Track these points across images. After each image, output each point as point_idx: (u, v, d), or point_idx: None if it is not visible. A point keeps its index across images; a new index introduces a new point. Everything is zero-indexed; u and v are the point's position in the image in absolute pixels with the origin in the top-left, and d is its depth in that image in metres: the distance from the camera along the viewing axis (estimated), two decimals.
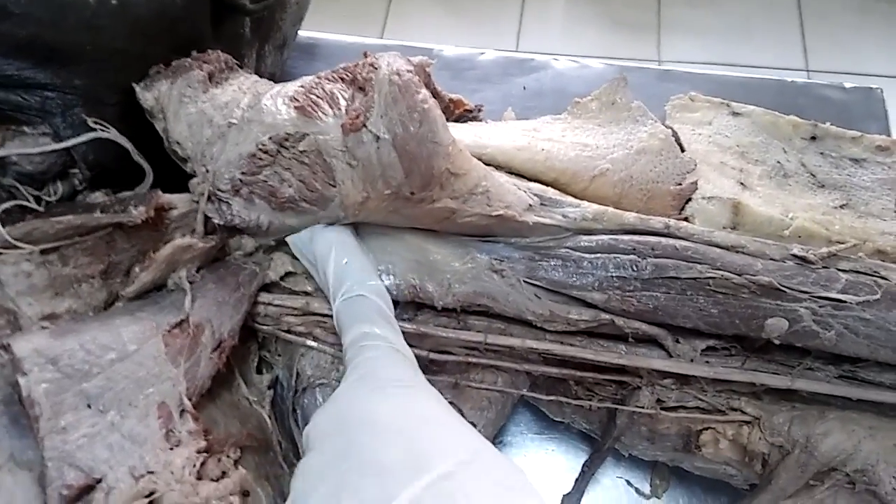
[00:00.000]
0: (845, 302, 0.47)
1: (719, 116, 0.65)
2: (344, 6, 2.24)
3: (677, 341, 0.50)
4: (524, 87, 0.73)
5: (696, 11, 2.14)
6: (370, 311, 0.42)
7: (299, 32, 0.75)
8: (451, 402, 0.49)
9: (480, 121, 0.63)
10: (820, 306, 0.48)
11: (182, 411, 0.38)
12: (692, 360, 0.49)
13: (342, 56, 0.79)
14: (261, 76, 0.61)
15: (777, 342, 0.48)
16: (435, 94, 0.58)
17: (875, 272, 0.50)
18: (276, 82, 0.66)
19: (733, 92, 0.68)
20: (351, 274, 0.45)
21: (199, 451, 0.37)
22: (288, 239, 0.48)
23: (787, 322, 0.47)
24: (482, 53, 0.75)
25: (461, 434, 0.34)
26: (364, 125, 0.44)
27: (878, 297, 0.48)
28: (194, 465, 0.36)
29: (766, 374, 0.48)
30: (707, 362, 0.50)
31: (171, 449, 0.36)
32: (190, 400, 0.39)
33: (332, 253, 0.46)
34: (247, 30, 0.58)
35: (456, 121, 0.62)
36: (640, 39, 2.08)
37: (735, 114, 0.66)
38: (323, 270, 0.45)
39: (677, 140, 0.62)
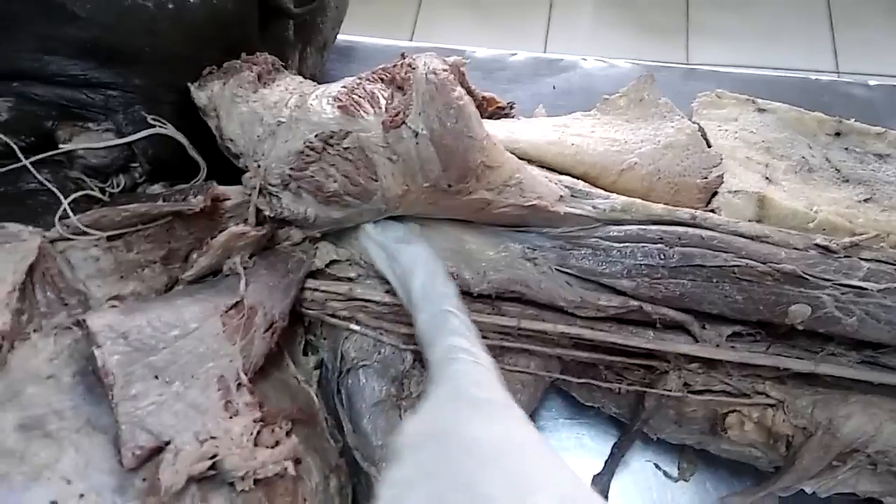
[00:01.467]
0: (867, 289, 0.49)
1: (745, 113, 0.67)
2: (374, 10, 2.27)
3: (703, 327, 0.52)
4: (553, 87, 0.75)
5: (725, 14, 2.13)
6: (457, 326, 0.43)
7: (337, 36, 0.79)
8: None
9: (512, 118, 0.66)
10: (842, 293, 0.50)
11: (239, 385, 0.41)
12: (718, 346, 0.51)
13: (377, 58, 0.82)
14: (303, 77, 0.65)
15: (800, 328, 0.50)
16: (469, 92, 0.61)
17: None
18: (317, 83, 0.69)
19: (758, 90, 0.70)
20: (437, 290, 0.46)
21: (255, 421, 0.40)
22: (369, 247, 0.50)
23: (811, 308, 0.49)
24: (513, 55, 0.77)
25: (559, 466, 0.33)
26: (403, 122, 0.46)
27: None
28: (251, 433, 0.39)
29: (790, 358, 0.50)
30: (733, 347, 0.51)
31: (231, 418, 0.40)
32: (245, 375, 0.42)
33: (419, 269, 0.47)
34: (290, 33, 0.61)
35: (489, 118, 0.65)
36: (668, 42, 2.07)
37: (761, 110, 0.67)
38: (406, 284, 0.47)
39: (704, 136, 0.64)
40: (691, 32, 2.08)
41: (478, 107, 0.62)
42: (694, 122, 0.66)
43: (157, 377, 0.39)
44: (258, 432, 0.40)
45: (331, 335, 0.52)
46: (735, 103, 0.68)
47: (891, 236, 0.59)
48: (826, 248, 0.52)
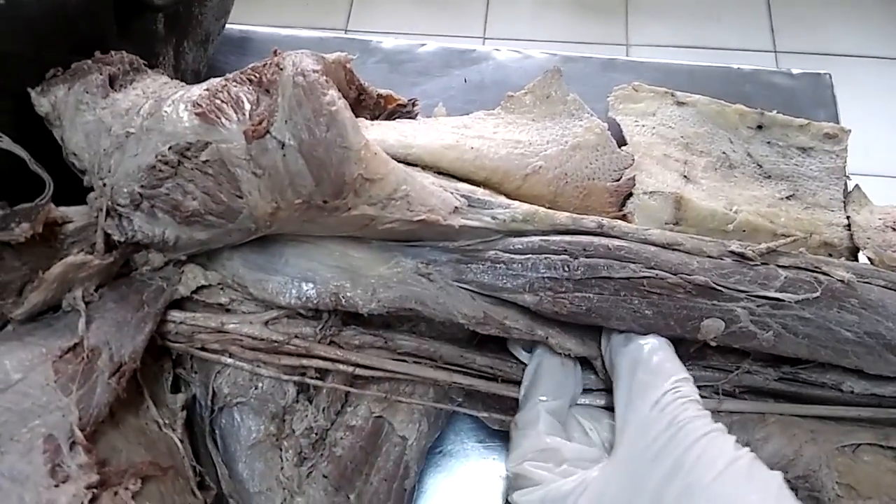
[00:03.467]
0: (783, 301, 0.46)
1: (663, 106, 0.63)
2: None
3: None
4: (465, 80, 0.70)
5: None
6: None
7: (232, 25, 0.72)
8: (379, 417, 0.47)
9: (415, 116, 0.61)
10: (758, 305, 0.46)
11: (72, 443, 0.36)
12: None
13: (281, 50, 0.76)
14: (181, 74, 0.58)
15: (714, 344, 0.46)
16: (361, 91, 0.56)
17: (816, 268, 0.48)
18: (201, 80, 0.63)
19: (679, 80, 0.67)
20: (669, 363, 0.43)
21: (88, 487, 0.35)
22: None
23: (724, 323, 0.46)
24: (422, 45, 0.72)
25: None
26: (268, 131, 0.41)
27: (817, 294, 0.46)
28: (82, 503, 0.34)
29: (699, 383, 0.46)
30: None
31: (57, 486, 0.34)
32: (84, 430, 0.36)
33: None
34: (160, 26, 0.55)
35: (389, 116, 0.60)
36: (608, 22, 2.06)
37: (680, 103, 0.64)
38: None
39: (620, 133, 0.60)
40: (630, 12, 2.07)
41: (374, 106, 0.58)
42: (610, 118, 0.62)
43: None
44: (93, 499, 0.35)
45: (202, 369, 0.46)
46: (653, 96, 0.64)
47: (813, 236, 0.57)
48: (741, 255, 0.48)
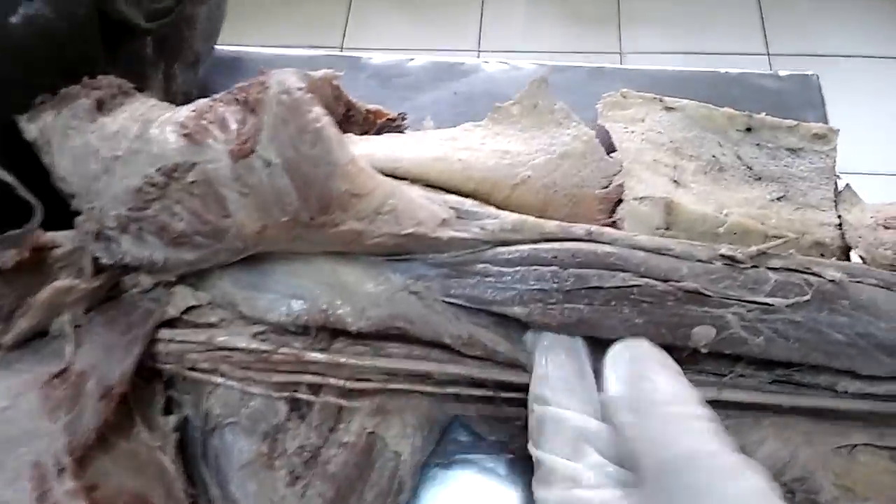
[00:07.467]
0: (773, 305, 0.46)
1: (652, 112, 0.63)
2: (305, 12, 2.23)
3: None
4: (455, 93, 0.70)
5: (656, 2, 2.14)
6: None
7: (223, 46, 0.73)
8: (371, 432, 0.47)
9: (404, 130, 0.61)
10: (748, 311, 0.46)
11: (60, 470, 0.36)
12: None
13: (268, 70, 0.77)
14: (172, 96, 0.59)
15: (705, 351, 0.46)
16: (350, 106, 0.56)
17: (807, 269, 0.48)
18: (190, 100, 0.63)
19: (666, 86, 0.67)
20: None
21: None
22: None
23: (715, 330, 0.45)
24: (411, 60, 0.73)
25: None
26: (253, 150, 0.41)
27: (807, 297, 0.46)
28: None
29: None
30: None
31: None
32: (72, 456, 0.36)
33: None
34: (149, 49, 0.55)
35: (379, 131, 0.60)
36: (601, 32, 2.08)
37: (668, 108, 0.64)
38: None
39: (609, 140, 0.60)
40: (623, 21, 2.08)
41: (363, 121, 0.58)
42: (599, 125, 0.62)
43: None
44: None
45: (194, 390, 0.46)
46: (641, 102, 0.64)
47: (805, 236, 0.56)
48: (732, 259, 0.48)
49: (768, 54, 1.89)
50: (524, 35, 2.03)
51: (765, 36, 1.94)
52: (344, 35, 2.04)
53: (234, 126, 0.43)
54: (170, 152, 0.42)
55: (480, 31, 2.06)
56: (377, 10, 2.07)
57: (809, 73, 0.66)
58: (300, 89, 0.43)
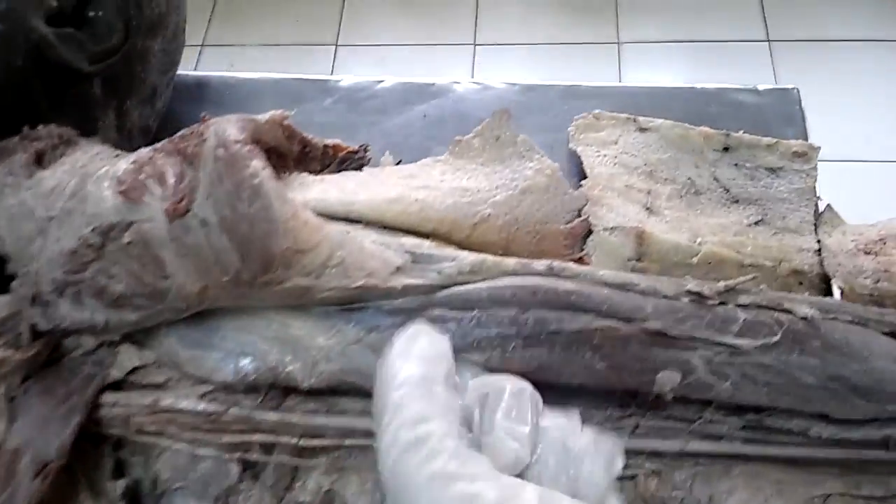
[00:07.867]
0: (741, 347, 0.44)
1: (626, 134, 0.62)
2: (298, 11, 2.22)
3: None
4: (425, 115, 0.69)
5: None
6: None
7: (186, 72, 0.71)
8: (329, 490, 0.46)
9: (367, 162, 0.59)
10: (715, 354, 0.44)
11: None
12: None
13: (231, 97, 0.75)
14: (127, 132, 0.57)
15: (670, 397, 0.44)
16: (306, 143, 0.54)
17: (778, 305, 0.46)
18: (151, 134, 0.62)
19: (640, 103, 0.65)
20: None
21: None
22: None
23: (680, 374, 0.44)
24: (380, 82, 0.71)
25: None
26: (189, 209, 0.40)
27: (777, 338, 0.44)
28: None
29: (656, 439, 0.44)
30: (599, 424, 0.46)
31: None
32: None
33: None
34: (97, 90, 0.54)
35: (340, 164, 0.58)
36: (598, 22, 2.05)
37: (642, 129, 0.62)
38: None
39: (580, 165, 0.58)
40: (620, 10, 2.05)
41: (322, 156, 0.56)
42: (571, 149, 0.61)
43: None
44: None
45: (143, 451, 0.45)
46: (614, 123, 0.62)
47: (783, 264, 0.55)
48: (699, 294, 0.46)
49: (768, 40, 1.85)
50: (520, 26, 2.00)
51: (765, 22, 1.90)
52: (339, 30, 2.02)
53: (171, 181, 0.42)
54: (105, 211, 0.41)
55: (476, 23, 2.04)
56: (372, 3, 2.05)
57: (790, 87, 0.63)
58: (238, 142, 0.41)
